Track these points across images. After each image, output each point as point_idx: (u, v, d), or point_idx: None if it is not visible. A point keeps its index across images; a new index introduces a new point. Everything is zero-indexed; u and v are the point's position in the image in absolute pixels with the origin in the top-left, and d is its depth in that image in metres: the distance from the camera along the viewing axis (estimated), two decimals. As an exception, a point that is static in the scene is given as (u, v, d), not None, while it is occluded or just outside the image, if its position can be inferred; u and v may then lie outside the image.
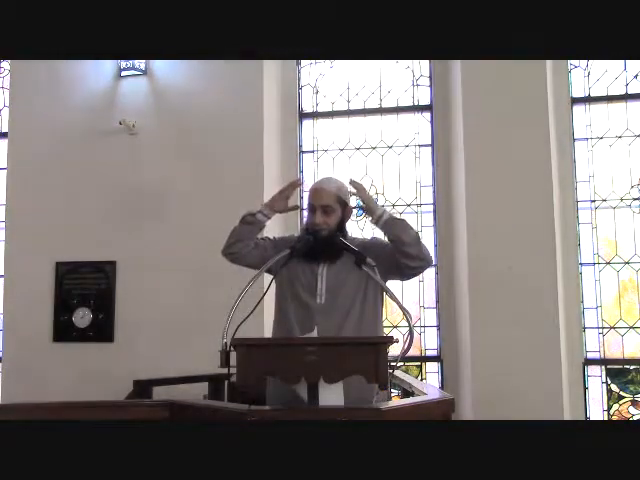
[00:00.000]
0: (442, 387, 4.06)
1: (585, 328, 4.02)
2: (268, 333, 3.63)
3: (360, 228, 4.36)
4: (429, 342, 4.21)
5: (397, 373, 2.47)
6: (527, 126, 3.92)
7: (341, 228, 2.63)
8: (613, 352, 4.02)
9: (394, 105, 4.44)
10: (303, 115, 4.52)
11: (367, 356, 1.95)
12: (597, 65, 4.20)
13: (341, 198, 2.63)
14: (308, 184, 4.43)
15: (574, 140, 4.15)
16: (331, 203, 2.61)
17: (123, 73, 4.33)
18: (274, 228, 4.25)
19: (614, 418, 3.94)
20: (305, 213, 2.84)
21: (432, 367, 4.20)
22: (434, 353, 4.20)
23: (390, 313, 4.23)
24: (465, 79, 4.01)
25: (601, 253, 4.08)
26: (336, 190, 2.62)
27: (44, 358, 4.19)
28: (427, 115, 4.39)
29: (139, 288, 4.17)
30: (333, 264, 2.56)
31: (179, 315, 4.04)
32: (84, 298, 4.25)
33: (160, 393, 3.33)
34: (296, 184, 2.79)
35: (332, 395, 2.03)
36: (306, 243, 2.53)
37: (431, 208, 4.30)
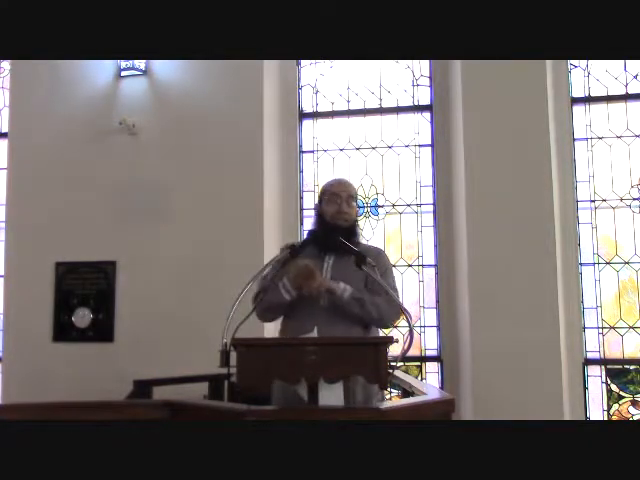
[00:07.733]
0: (442, 387, 4.06)
1: (585, 328, 4.02)
2: (268, 333, 3.64)
3: (360, 228, 4.35)
4: (429, 342, 4.21)
5: (397, 373, 2.47)
6: (527, 126, 3.91)
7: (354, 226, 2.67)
8: (613, 352, 4.02)
9: (394, 105, 4.44)
10: (303, 115, 4.52)
11: (367, 356, 1.95)
12: (597, 65, 4.19)
13: (355, 198, 2.67)
14: (308, 184, 4.46)
15: (574, 140, 4.15)
16: (354, 196, 2.66)
17: (123, 73, 4.32)
18: (274, 235, 4.27)
19: (614, 418, 3.94)
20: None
21: (432, 367, 4.19)
22: (434, 353, 4.20)
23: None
24: (465, 79, 4.01)
25: (601, 253, 4.08)
26: (354, 188, 2.67)
27: (44, 358, 4.19)
28: (427, 115, 4.38)
29: (139, 288, 4.17)
30: (337, 261, 2.58)
31: (179, 315, 4.04)
32: (84, 298, 4.25)
33: (160, 393, 3.32)
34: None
35: (332, 395, 2.03)
36: (306, 240, 2.54)
37: (431, 208, 4.30)
